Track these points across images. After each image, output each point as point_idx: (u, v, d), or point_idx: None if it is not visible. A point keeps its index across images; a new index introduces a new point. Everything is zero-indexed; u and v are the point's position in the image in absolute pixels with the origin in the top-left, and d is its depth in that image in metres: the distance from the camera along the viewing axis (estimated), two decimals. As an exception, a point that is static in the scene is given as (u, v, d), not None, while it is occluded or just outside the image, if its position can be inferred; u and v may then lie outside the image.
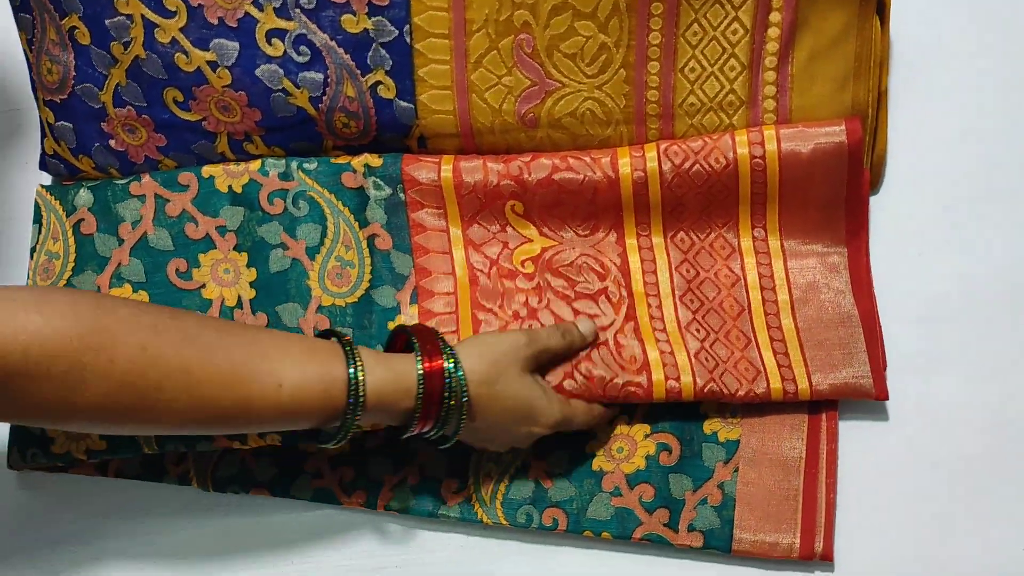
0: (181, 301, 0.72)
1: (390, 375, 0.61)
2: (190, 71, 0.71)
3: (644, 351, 0.70)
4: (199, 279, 0.73)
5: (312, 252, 0.73)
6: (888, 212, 0.75)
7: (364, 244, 0.73)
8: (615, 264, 0.73)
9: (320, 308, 0.71)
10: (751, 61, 0.69)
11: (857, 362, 0.70)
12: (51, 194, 0.75)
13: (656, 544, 0.69)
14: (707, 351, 0.70)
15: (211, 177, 0.74)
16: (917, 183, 0.76)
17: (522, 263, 0.73)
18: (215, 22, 0.69)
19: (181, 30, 0.70)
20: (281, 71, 0.70)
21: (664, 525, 0.69)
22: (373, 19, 0.69)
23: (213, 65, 0.70)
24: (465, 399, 0.62)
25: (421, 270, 0.73)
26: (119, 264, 0.73)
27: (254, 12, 0.69)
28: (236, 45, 0.70)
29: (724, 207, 0.72)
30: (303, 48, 0.70)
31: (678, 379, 0.69)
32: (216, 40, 0.70)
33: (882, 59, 0.72)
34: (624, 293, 0.72)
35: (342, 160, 0.74)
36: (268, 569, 0.71)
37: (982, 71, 0.77)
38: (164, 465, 0.72)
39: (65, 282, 0.73)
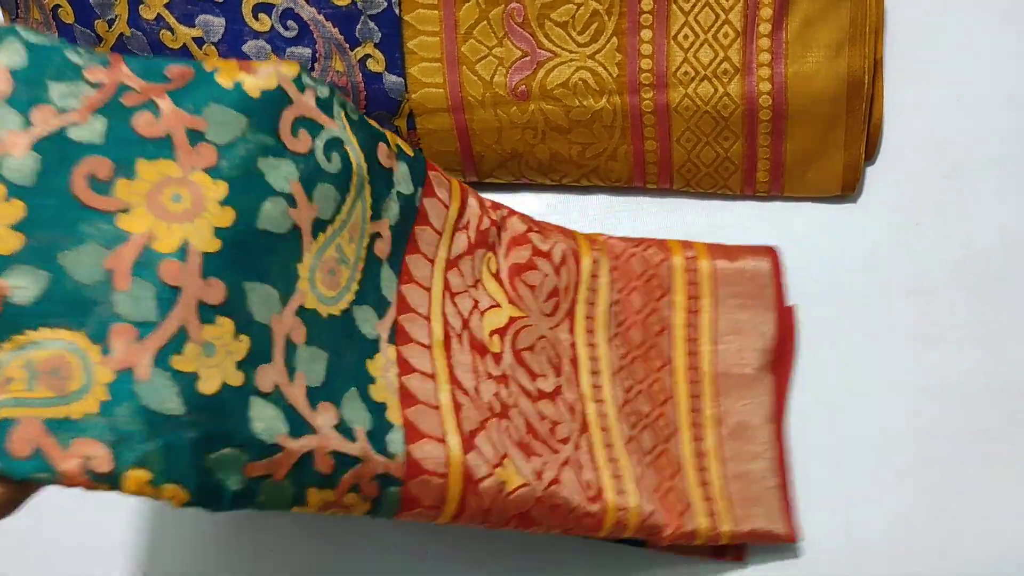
0: (76, 225, 0.43)
1: None
2: (176, 48, 0.69)
3: (596, 471, 0.61)
4: (123, 199, 0.44)
5: (318, 228, 0.50)
6: (884, 182, 0.75)
7: (366, 241, 0.54)
8: (568, 356, 0.64)
9: (301, 310, 0.49)
10: (745, 27, 0.68)
11: (770, 498, 0.65)
12: None
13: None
14: (646, 475, 0.63)
15: (215, 69, 0.47)
16: (913, 153, 0.75)
17: (491, 336, 0.61)
18: (200, -3, 0.68)
19: (166, 6, 0.69)
20: (268, 47, 0.69)
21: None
22: (361, -9, 0.68)
23: (199, 42, 0.69)
24: None
25: (402, 301, 0.56)
26: (5, 155, 0.43)
27: (240, -13, 0.68)
28: (222, 21, 0.69)
29: (659, 315, 0.68)
30: (290, 23, 0.69)
31: (626, 509, 0.60)
32: (202, 16, 0.69)
33: (877, 27, 0.71)
34: (576, 395, 0.63)
35: (377, 127, 0.56)
36: (265, 559, 0.70)
37: (978, 38, 0.77)
38: None
39: None
